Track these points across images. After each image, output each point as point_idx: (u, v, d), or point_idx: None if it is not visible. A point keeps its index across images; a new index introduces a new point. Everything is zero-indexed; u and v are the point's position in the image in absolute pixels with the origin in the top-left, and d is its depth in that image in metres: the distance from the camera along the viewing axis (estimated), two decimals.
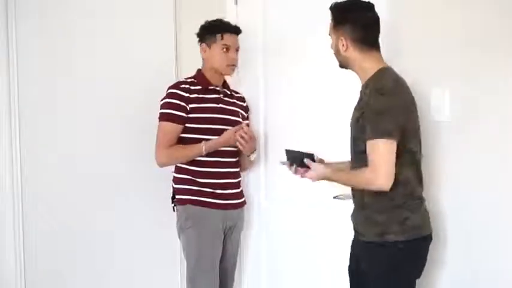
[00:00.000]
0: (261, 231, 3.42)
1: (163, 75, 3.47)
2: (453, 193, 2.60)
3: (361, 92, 2.46)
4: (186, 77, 3.16)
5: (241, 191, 3.21)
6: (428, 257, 2.46)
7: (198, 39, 3.16)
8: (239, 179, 3.20)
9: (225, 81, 3.22)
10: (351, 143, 2.51)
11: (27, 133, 3.19)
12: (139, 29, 3.46)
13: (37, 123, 3.22)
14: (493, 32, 2.45)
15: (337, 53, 2.51)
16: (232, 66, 3.14)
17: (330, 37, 2.54)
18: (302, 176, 2.57)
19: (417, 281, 2.46)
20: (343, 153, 2.59)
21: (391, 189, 2.30)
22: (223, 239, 3.11)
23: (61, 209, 3.28)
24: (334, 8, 2.51)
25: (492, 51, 2.45)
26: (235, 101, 3.23)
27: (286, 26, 3.25)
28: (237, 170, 3.18)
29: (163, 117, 3.04)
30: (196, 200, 3.03)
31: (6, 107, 3.14)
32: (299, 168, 2.56)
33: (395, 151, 2.29)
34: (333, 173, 2.49)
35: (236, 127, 3.02)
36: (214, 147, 3.01)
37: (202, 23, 3.14)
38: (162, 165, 3.08)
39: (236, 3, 3.48)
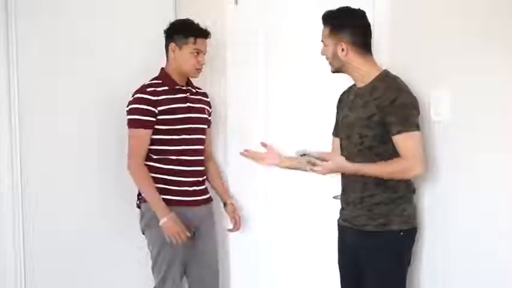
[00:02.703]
0: (260, 231, 3.41)
1: None
2: (453, 193, 2.60)
3: (360, 93, 2.57)
4: (150, 79, 3.14)
5: (206, 188, 3.26)
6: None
7: (165, 36, 3.14)
8: (204, 178, 3.26)
9: (188, 79, 3.22)
10: (352, 140, 2.58)
11: (27, 133, 3.18)
12: (139, 29, 3.46)
13: (37, 123, 3.22)
14: (493, 31, 2.44)
15: (333, 58, 2.59)
16: (200, 69, 3.16)
17: (322, 43, 2.62)
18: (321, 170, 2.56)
19: None
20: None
21: (396, 181, 2.50)
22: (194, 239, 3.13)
23: (61, 209, 3.28)
24: (331, 15, 2.59)
25: (492, 51, 2.45)
26: (200, 97, 3.26)
27: (286, 26, 3.25)
28: (204, 177, 3.25)
29: (133, 124, 3.05)
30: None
31: (6, 107, 3.14)
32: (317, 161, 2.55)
33: (423, 141, 2.49)
34: (352, 164, 2.52)
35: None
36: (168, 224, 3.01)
37: (176, 21, 3.18)
38: (129, 173, 3.08)
39: (236, 3, 3.48)
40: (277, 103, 3.31)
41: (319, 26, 2.68)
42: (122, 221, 3.43)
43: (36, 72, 3.21)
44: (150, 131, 3.04)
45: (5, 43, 3.13)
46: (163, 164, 3.08)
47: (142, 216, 3.15)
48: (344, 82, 2.75)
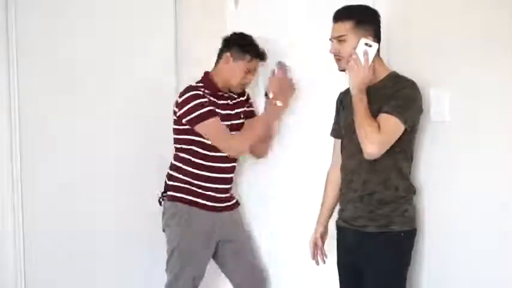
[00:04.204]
0: (259, 231, 3.41)
1: (163, 75, 3.47)
2: (453, 193, 2.59)
3: (369, 93, 2.50)
4: (193, 83, 3.11)
5: (232, 195, 3.26)
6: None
7: (224, 44, 3.12)
8: (231, 185, 3.23)
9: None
10: (355, 139, 2.52)
11: (27, 133, 3.18)
12: (139, 29, 3.47)
13: (37, 122, 3.22)
14: (493, 31, 2.45)
15: (352, 52, 2.49)
16: (244, 87, 3.18)
17: (334, 40, 2.55)
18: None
19: None
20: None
21: (398, 180, 2.49)
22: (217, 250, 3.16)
23: (61, 209, 3.28)
24: (355, 9, 2.55)
25: (492, 51, 2.45)
26: (238, 100, 3.23)
27: (286, 29, 3.25)
28: (232, 175, 3.21)
29: (205, 116, 2.98)
30: (186, 199, 3.08)
31: (6, 107, 3.14)
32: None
33: (399, 135, 2.44)
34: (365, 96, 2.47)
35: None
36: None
37: (240, 33, 3.13)
38: (240, 153, 3.11)
39: (236, 7, 3.49)
40: None
41: (319, 29, 2.69)
42: (122, 222, 3.42)
43: (36, 72, 3.21)
44: (219, 118, 3.02)
45: (5, 43, 3.13)
46: (200, 170, 3.09)
47: (163, 213, 3.16)
48: (344, 82, 2.75)
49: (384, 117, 2.43)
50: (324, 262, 2.85)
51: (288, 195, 3.27)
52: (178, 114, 3.03)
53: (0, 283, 3.16)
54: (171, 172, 3.15)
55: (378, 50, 2.53)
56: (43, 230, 3.24)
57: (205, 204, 3.09)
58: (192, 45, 3.22)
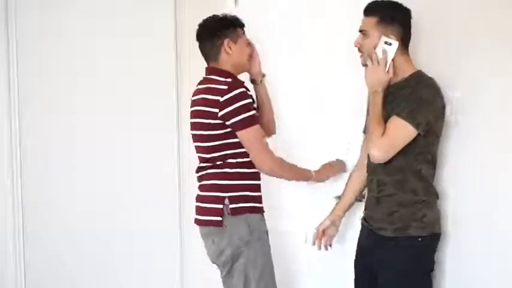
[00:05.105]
0: None
1: (163, 75, 3.47)
2: (453, 193, 2.59)
3: (391, 91, 2.45)
4: (221, 80, 2.71)
5: None
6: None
7: (218, 35, 2.79)
8: None
9: None
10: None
11: (27, 133, 3.19)
12: (139, 29, 3.46)
13: (37, 122, 3.22)
14: (494, 31, 2.44)
15: (372, 49, 2.44)
16: (250, 61, 2.88)
17: (360, 33, 2.49)
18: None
19: None
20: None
21: (416, 183, 2.41)
22: None
23: (61, 209, 3.28)
24: (382, 5, 2.48)
25: (494, 50, 2.44)
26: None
27: (286, 27, 3.25)
28: None
29: (252, 121, 2.66)
30: (257, 207, 2.73)
31: (6, 107, 3.14)
32: None
33: (408, 141, 2.36)
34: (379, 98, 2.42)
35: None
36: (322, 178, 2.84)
37: (212, 17, 2.85)
38: (271, 171, 2.73)
39: (236, 4, 3.48)
40: (277, 104, 3.30)
41: (319, 27, 2.67)
42: (122, 222, 3.44)
43: (36, 72, 3.22)
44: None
45: (5, 43, 3.14)
46: (250, 168, 2.74)
47: (230, 236, 2.71)
48: (344, 82, 2.74)
49: (391, 120, 2.37)
50: (326, 248, 2.80)
51: (289, 199, 3.25)
52: (221, 114, 2.63)
53: (0, 283, 3.17)
54: (221, 182, 2.70)
55: (407, 48, 2.47)
56: (43, 230, 3.24)
57: (263, 207, 2.79)
58: (192, 43, 3.20)
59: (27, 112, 3.19)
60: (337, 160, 2.89)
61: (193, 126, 2.73)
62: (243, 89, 2.64)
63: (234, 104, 2.61)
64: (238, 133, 2.65)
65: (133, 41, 3.44)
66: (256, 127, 2.67)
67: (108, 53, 3.39)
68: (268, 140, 2.96)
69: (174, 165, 3.30)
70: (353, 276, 2.68)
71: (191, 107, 2.73)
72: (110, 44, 3.39)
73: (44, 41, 3.23)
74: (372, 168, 2.54)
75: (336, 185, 2.81)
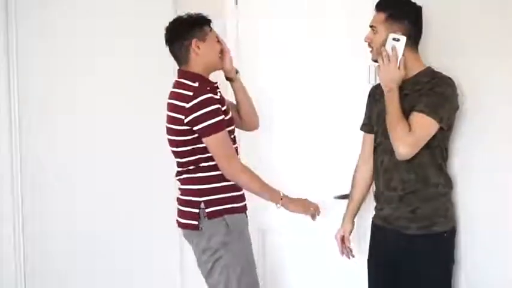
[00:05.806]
0: (261, 231, 3.41)
1: (163, 75, 3.46)
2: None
3: (400, 87, 2.44)
4: (189, 85, 2.69)
5: None
6: None
7: (184, 36, 2.73)
8: None
9: None
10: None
11: (27, 133, 3.19)
12: (139, 29, 3.46)
13: (37, 123, 3.22)
14: (495, 31, 2.44)
15: (381, 46, 2.45)
16: (221, 57, 2.83)
17: (370, 28, 2.50)
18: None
19: None
20: (343, 153, 2.57)
21: (437, 177, 2.44)
22: None
23: (61, 209, 3.28)
24: (392, 2, 2.49)
25: (495, 51, 2.44)
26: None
27: (287, 27, 3.24)
28: None
29: (218, 127, 2.63)
30: (236, 207, 2.74)
31: (6, 107, 3.14)
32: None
33: (432, 134, 2.39)
34: (396, 96, 2.41)
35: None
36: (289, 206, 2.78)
37: (177, 19, 2.81)
38: (235, 178, 2.71)
39: (236, 3, 3.48)
40: (278, 104, 3.30)
41: (320, 27, 2.67)
42: (122, 223, 3.44)
43: (36, 72, 3.22)
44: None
45: (5, 43, 3.13)
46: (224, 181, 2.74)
47: (209, 238, 2.74)
48: (344, 82, 2.74)
49: (416, 116, 2.38)
50: (353, 256, 2.83)
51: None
52: (187, 120, 2.64)
53: (1, 283, 3.18)
54: (196, 187, 2.74)
55: (417, 45, 2.48)
56: (43, 230, 3.24)
57: (244, 206, 2.80)
58: None
59: (27, 112, 3.19)
60: (315, 203, 2.83)
61: (167, 131, 2.76)
62: (209, 95, 2.62)
63: (199, 110, 2.61)
64: (204, 139, 2.65)
65: (134, 41, 3.45)
66: (221, 134, 2.65)
67: (108, 53, 3.39)
68: (263, 134, 2.95)
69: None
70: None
71: (166, 110, 2.73)
72: (110, 44, 3.39)
73: (44, 41, 3.23)
74: (389, 165, 2.52)
75: (336, 185, 2.81)
